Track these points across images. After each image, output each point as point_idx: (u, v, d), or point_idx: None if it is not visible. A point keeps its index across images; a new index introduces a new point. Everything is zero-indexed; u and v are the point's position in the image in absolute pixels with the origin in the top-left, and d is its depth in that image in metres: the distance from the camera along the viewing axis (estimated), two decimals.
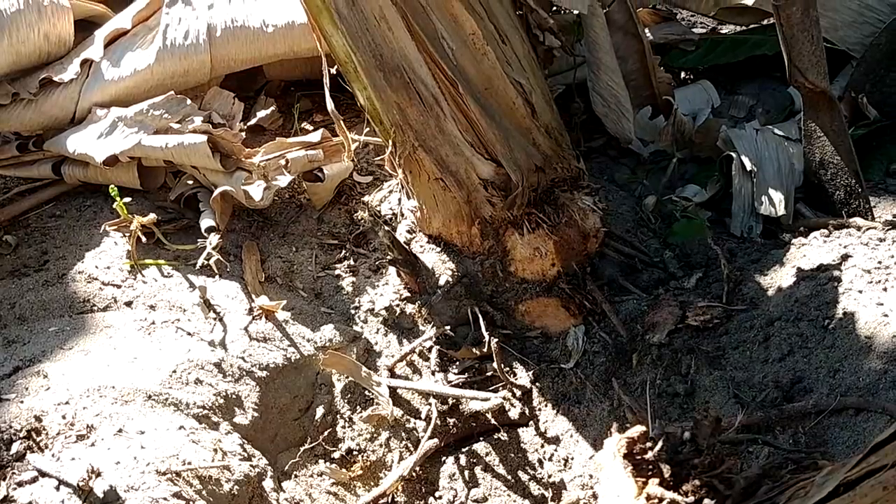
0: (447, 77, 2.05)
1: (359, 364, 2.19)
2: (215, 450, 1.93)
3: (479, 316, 2.21)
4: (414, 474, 2.10)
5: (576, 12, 2.54)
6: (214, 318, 2.21)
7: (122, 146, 2.37)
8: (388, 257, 2.27)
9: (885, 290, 1.92)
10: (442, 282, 2.25)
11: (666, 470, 1.26)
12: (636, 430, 1.25)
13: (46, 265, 2.34)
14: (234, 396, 2.10)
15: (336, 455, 2.16)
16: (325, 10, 2.03)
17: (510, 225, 2.17)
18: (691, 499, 1.21)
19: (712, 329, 2.03)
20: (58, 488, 1.71)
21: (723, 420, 1.66)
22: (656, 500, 1.18)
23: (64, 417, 1.89)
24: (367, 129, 2.31)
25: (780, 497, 1.22)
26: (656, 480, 1.22)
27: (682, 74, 3.05)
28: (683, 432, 1.36)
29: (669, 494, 1.19)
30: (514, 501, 2.10)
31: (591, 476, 2.00)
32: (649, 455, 1.26)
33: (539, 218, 2.15)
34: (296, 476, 2.11)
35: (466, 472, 2.13)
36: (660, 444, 1.26)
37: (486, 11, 2.08)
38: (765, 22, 2.99)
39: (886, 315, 1.85)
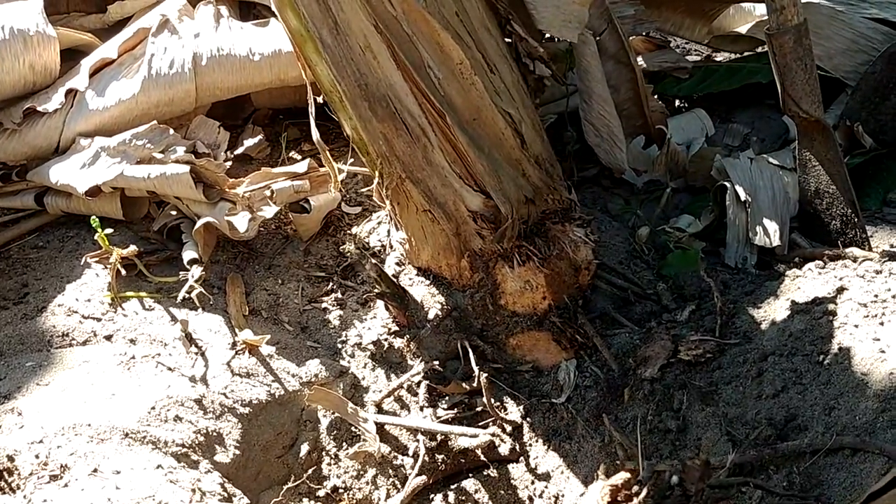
0: (434, 107, 2.01)
1: (345, 399, 2.14)
2: (193, 490, 1.87)
3: (469, 350, 2.16)
4: None
5: (567, 41, 2.52)
6: (196, 353, 2.16)
7: (104, 177, 2.34)
8: (376, 290, 2.23)
9: (881, 324, 1.87)
10: (431, 315, 2.21)
11: None
12: (620, 477, 1.20)
13: (26, 297, 2.30)
14: (214, 434, 2.05)
15: (321, 493, 2.10)
16: (309, 39, 2.00)
17: (500, 258, 2.12)
18: None
19: (705, 364, 1.98)
20: None
21: (713, 461, 1.61)
22: None
23: (37, 457, 1.84)
24: (352, 159, 2.27)
25: None
26: None
27: (677, 103, 3.02)
28: (671, 476, 1.30)
29: None
30: None
31: None
32: (634, 502, 1.20)
33: (529, 251, 2.11)
34: None
35: None
36: (645, 490, 1.20)
37: (473, 41, 2.06)
38: (759, 49, 2.97)
39: (883, 351, 1.80)
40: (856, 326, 1.87)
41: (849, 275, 2.03)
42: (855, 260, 2.13)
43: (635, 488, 1.23)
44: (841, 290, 1.98)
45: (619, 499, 1.20)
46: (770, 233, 2.36)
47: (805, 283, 2.05)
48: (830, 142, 2.33)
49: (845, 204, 2.34)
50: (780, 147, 2.74)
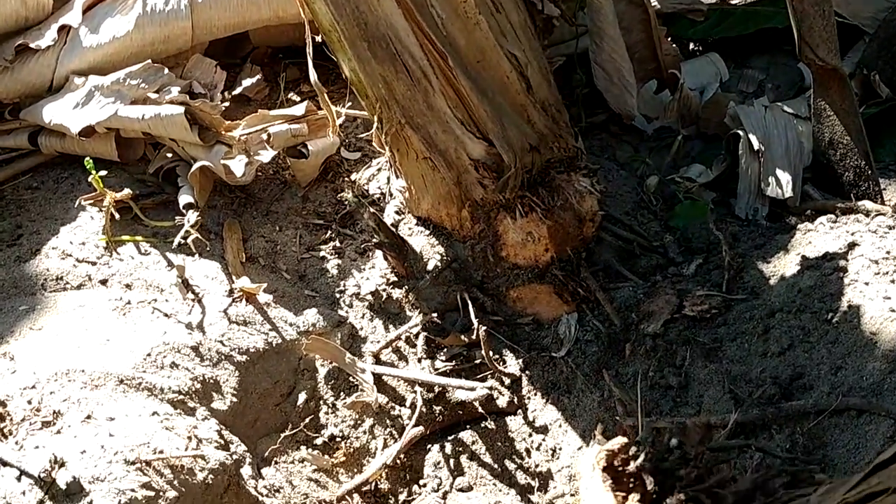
0: (436, 48, 1.94)
1: (343, 350, 2.12)
2: (190, 437, 1.86)
3: (469, 302, 2.12)
4: (398, 462, 2.04)
5: None
6: (193, 300, 2.13)
7: (98, 117, 2.27)
8: (375, 240, 2.18)
9: (892, 282, 1.82)
10: (430, 266, 2.16)
11: (649, 482, 1.18)
12: (617, 442, 1.16)
13: (20, 240, 2.26)
14: (211, 381, 2.02)
15: (319, 441, 2.09)
16: None
17: (502, 208, 2.07)
18: None
19: (710, 319, 1.94)
20: (19, 479, 1.64)
21: (715, 419, 1.58)
22: None
23: (30, 402, 1.82)
24: (351, 102, 2.21)
25: None
26: (637, 496, 1.14)
27: (691, 46, 2.92)
28: (671, 438, 1.27)
29: None
30: (500, 491, 2.04)
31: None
32: (631, 467, 1.17)
33: (532, 201, 2.05)
34: (276, 462, 2.04)
35: (452, 461, 2.06)
36: (643, 454, 1.17)
37: None
38: None
39: (893, 310, 1.75)
40: (866, 284, 1.82)
41: (861, 230, 1.97)
42: (867, 214, 2.08)
43: (633, 451, 1.20)
44: (852, 245, 1.92)
45: (615, 463, 1.17)
46: (783, 184, 2.29)
47: (816, 238, 1.99)
48: (846, 91, 2.25)
49: (859, 155, 2.28)
50: (795, 95, 2.66)
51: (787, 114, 2.45)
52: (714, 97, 2.63)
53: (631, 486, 1.17)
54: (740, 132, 2.38)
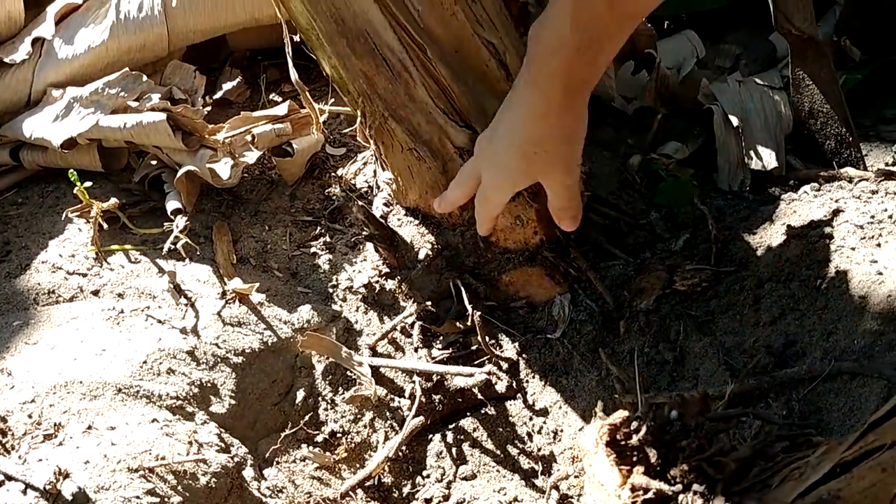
0: (414, 41, 1.94)
1: (339, 344, 2.12)
2: (191, 442, 1.86)
3: (462, 288, 2.13)
4: (400, 454, 2.04)
5: None
6: (186, 304, 2.13)
7: (79, 128, 2.27)
8: (365, 233, 2.19)
9: (878, 245, 1.84)
10: (422, 255, 2.17)
11: (652, 455, 1.20)
12: (618, 416, 1.18)
13: (9, 256, 2.25)
14: (209, 385, 2.03)
15: (319, 438, 2.10)
16: None
17: None
18: (679, 486, 1.14)
19: (701, 293, 1.95)
20: (25, 492, 1.64)
21: (712, 391, 1.60)
22: (641, 491, 1.11)
23: (30, 416, 1.82)
24: (333, 99, 2.21)
25: (773, 479, 1.15)
26: (641, 468, 1.15)
27: (665, 24, 2.93)
28: (670, 410, 1.29)
29: (655, 484, 1.12)
30: (504, 477, 2.05)
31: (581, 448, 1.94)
32: (634, 440, 1.19)
33: None
34: (278, 462, 2.04)
35: (454, 450, 2.07)
36: (644, 427, 1.19)
37: None
38: None
39: (881, 273, 1.77)
40: (852, 249, 1.84)
41: (844, 196, 1.99)
42: (850, 180, 2.10)
43: (634, 424, 1.22)
44: (837, 212, 1.94)
45: (617, 437, 1.18)
46: (764, 157, 2.31)
47: (800, 207, 2.01)
48: (824, 59, 2.27)
49: (839, 123, 2.30)
50: (768, 66, 2.67)
51: (761, 86, 2.47)
52: (690, 74, 2.64)
53: (634, 459, 1.19)
54: (713, 107, 2.40)
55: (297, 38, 2.15)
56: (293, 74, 2.20)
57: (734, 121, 2.36)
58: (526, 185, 1.95)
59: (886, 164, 2.25)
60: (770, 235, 2.00)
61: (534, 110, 1.80)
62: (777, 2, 2.18)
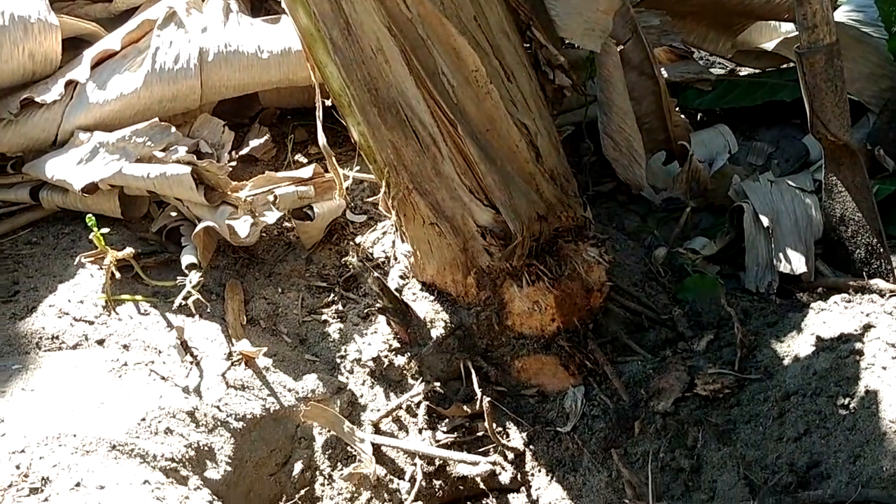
0: (446, 116, 1.92)
1: (342, 417, 2.05)
2: None
3: (473, 371, 2.07)
4: None
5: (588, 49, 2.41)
6: (191, 362, 2.07)
7: (102, 174, 2.25)
8: (378, 305, 2.14)
9: None
10: (434, 333, 2.11)
11: None
12: None
13: (16, 296, 2.21)
14: (206, 448, 1.96)
15: None
16: (319, 39, 1.90)
17: (508, 276, 2.03)
18: None
19: (723, 399, 1.88)
20: None
21: None
22: None
23: (18, 467, 1.75)
24: (359, 166, 2.18)
25: None
26: None
27: (698, 116, 2.92)
28: None
29: None
30: None
31: None
32: None
33: (539, 270, 2.02)
34: None
35: None
36: None
37: (491, 46, 1.96)
38: (783, 66, 2.87)
39: None
40: (884, 368, 1.77)
41: (876, 311, 1.93)
42: (882, 294, 2.04)
43: None
44: (868, 327, 1.87)
45: None
46: (793, 260, 2.26)
47: (830, 318, 1.95)
48: (858, 167, 2.23)
49: (871, 233, 2.25)
50: (800, 169, 2.64)
51: (792, 188, 2.44)
52: (722, 169, 2.61)
53: None
54: (744, 204, 2.36)
55: (328, 102, 2.14)
56: (321, 139, 2.18)
57: (765, 221, 2.31)
58: None
59: None
60: (798, 345, 1.93)
61: None
62: (814, 107, 2.15)
